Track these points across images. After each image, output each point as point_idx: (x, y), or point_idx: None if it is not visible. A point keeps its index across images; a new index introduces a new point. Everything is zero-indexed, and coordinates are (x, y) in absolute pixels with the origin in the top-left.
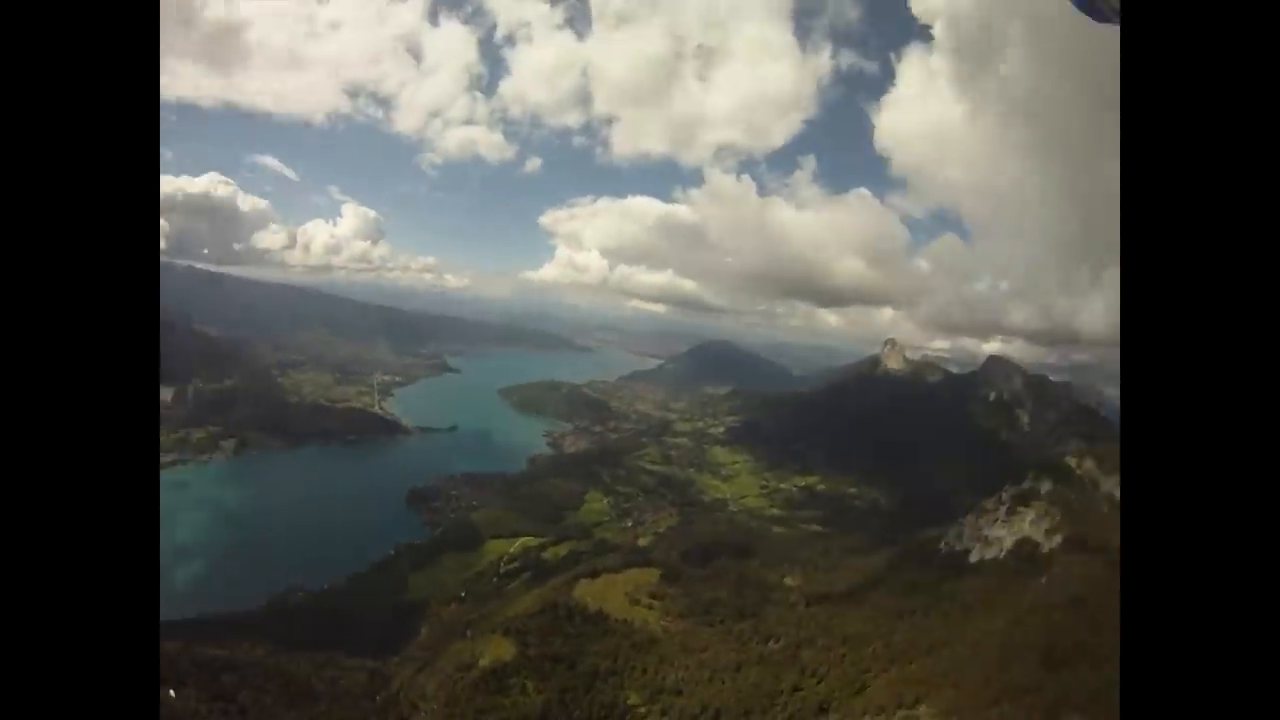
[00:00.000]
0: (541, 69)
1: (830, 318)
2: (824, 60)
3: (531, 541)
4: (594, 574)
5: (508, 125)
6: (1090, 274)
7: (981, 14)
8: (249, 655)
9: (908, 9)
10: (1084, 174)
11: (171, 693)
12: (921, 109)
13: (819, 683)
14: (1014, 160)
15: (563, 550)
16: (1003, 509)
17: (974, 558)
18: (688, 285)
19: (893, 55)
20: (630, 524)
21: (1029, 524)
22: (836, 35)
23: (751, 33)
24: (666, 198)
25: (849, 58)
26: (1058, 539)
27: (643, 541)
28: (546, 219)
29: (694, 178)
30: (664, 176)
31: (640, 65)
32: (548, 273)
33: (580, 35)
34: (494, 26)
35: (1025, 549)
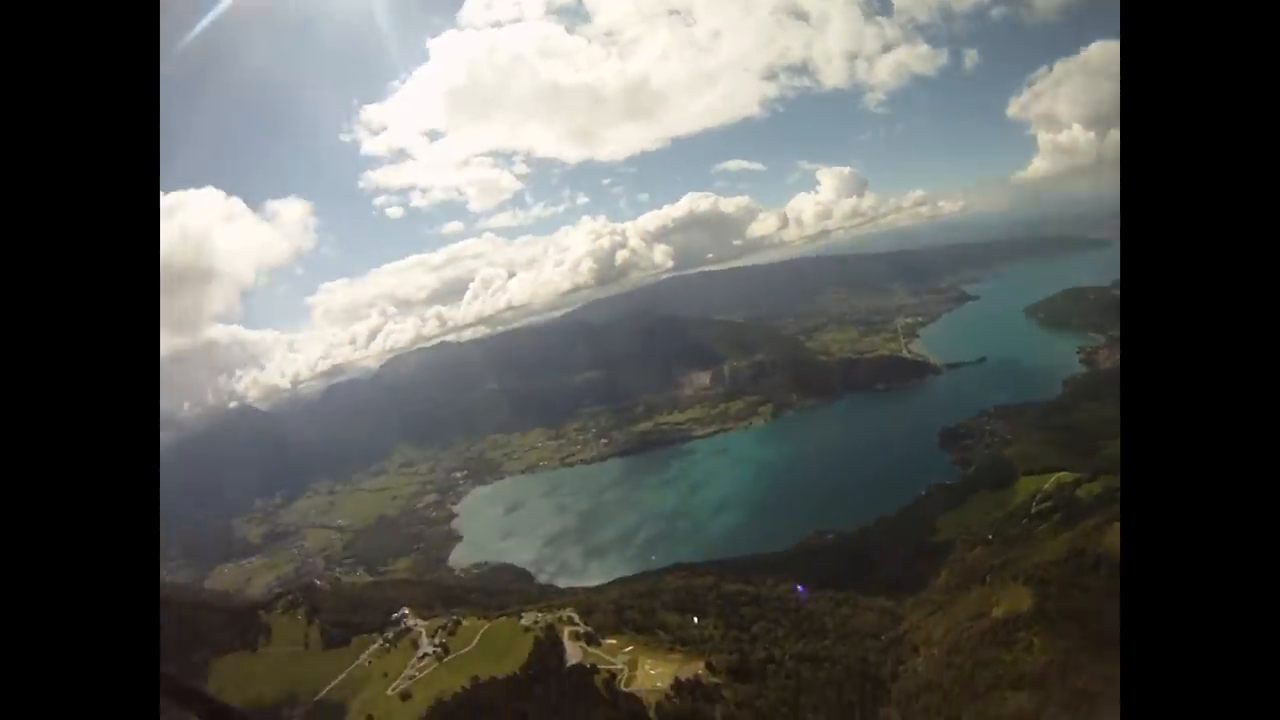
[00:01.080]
0: None
1: None
2: None
3: (1066, 478)
4: (1116, 519)
5: (925, 32)
6: None
7: None
8: (771, 592)
9: None
10: None
11: (695, 619)
12: None
13: None
14: None
15: (1097, 487)
16: None
17: None
18: None
19: None
20: None
21: None
22: None
23: None
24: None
25: None
26: None
27: None
28: (1013, 109)
29: None
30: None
31: None
32: (1038, 166)
33: None
34: None
35: None
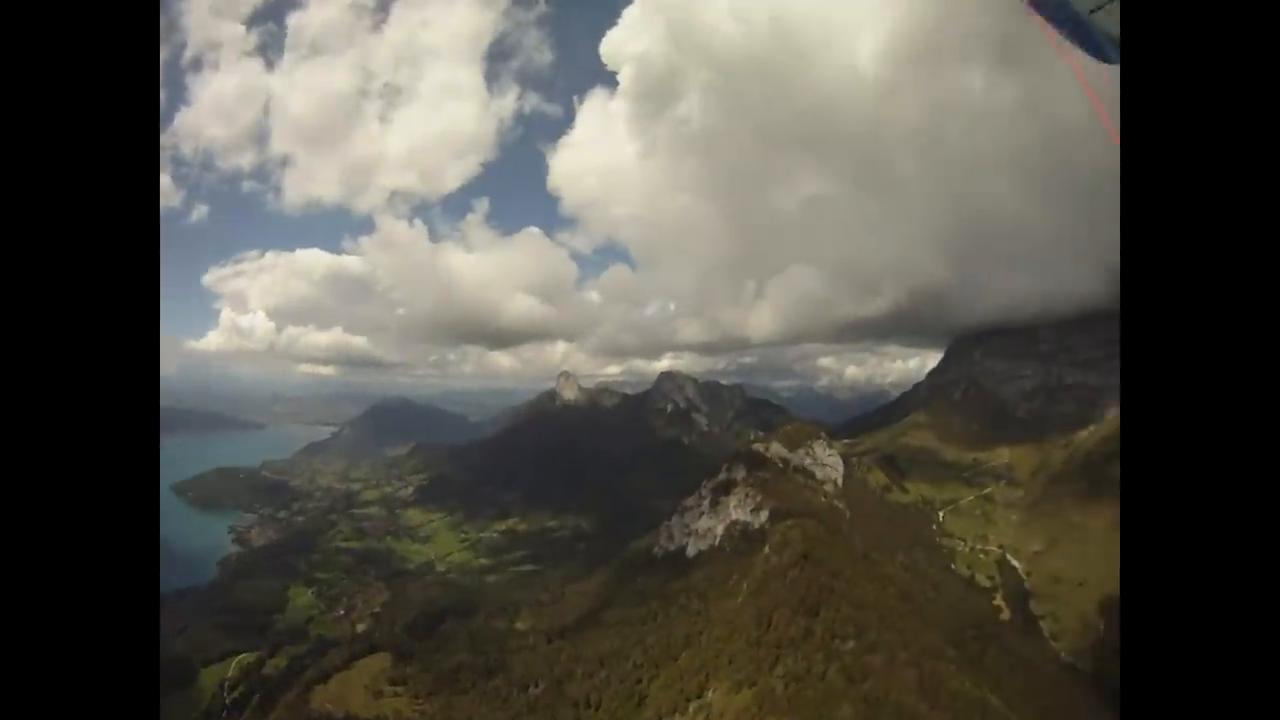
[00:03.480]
0: (223, 100)
1: (503, 359)
2: (509, 102)
3: (248, 658)
4: (324, 677)
5: (177, 166)
6: (756, 287)
7: (668, 59)
8: None
9: (597, 55)
10: (748, 202)
11: None
12: (596, 150)
13: (597, 710)
14: (681, 194)
15: (283, 660)
16: (705, 502)
17: (691, 551)
18: (358, 342)
19: (576, 99)
20: (342, 612)
21: (734, 508)
22: (525, 78)
23: (442, 73)
24: (336, 248)
25: (534, 100)
26: (765, 514)
27: (360, 627)
28: (210, 277)
29: (365, 225)
30: (335, 225)
31: (325, 101)
32: (212, 340)
33: (270, 64)
34: (183, 46)
35: (738, 530)
